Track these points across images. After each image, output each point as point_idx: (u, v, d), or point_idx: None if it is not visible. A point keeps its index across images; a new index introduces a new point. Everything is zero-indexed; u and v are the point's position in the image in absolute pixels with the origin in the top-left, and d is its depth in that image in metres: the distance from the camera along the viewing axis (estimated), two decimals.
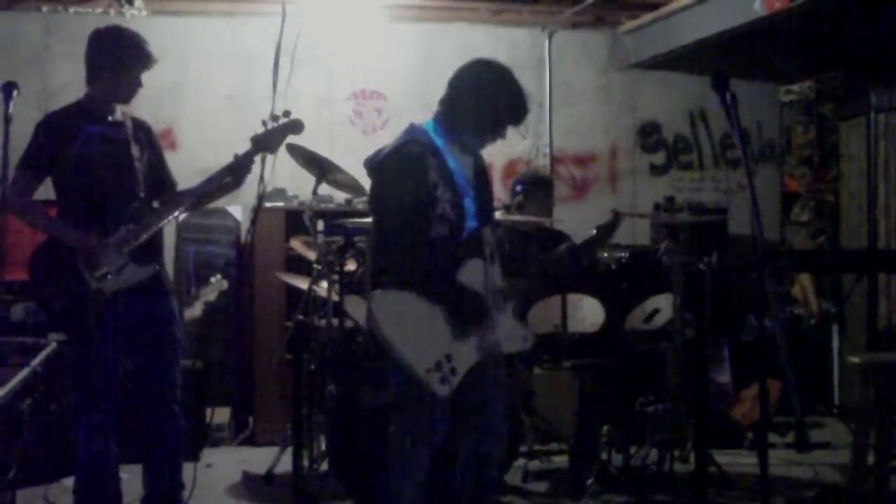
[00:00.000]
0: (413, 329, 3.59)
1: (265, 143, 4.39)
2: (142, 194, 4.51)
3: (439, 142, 3.80)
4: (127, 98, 4.56)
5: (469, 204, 3.81)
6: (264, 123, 4.37)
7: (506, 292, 3.82)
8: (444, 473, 3.87)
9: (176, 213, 4.62)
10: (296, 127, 4.42)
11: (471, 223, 3.80)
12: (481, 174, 3.97)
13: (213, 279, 6.91)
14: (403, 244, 3.67)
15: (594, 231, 4.09)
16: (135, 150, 4.54)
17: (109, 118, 4.54)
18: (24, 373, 5.54)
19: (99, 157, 4.45)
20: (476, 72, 3.87)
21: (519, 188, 6.17)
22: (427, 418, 3.67)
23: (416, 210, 3.65)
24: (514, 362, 5.33)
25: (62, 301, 4.40)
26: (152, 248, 4.53)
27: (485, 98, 3.81)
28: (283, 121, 4.40)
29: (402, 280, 3.66)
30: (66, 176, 4.45)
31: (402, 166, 3.72)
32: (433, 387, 3.56)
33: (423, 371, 3.55)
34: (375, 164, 3.83)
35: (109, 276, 4.35)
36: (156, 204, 4.58)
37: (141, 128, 4.67)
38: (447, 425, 3.73)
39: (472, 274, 3.72)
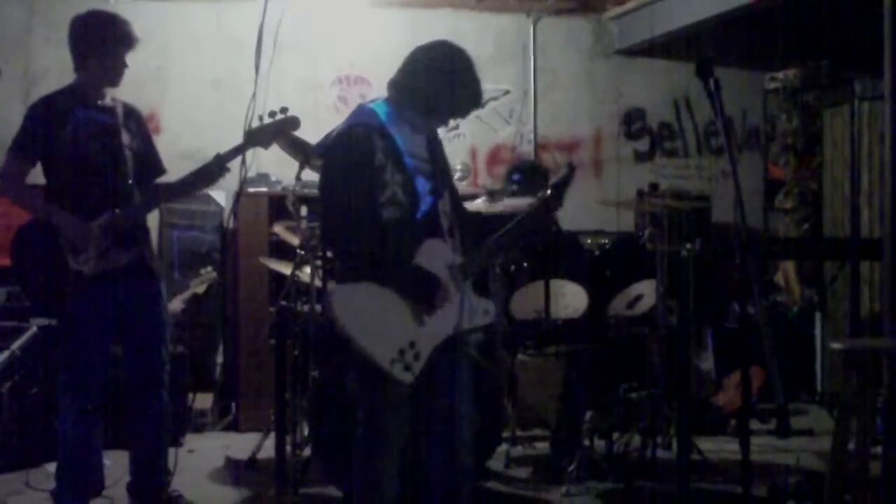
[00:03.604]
0: (374, 321, 3.51)
1: (258, 137, 4.36)
2: (130, 180, 4.51)
3: (388, 122, 3.69)
4: (115, 80, 4.55)
5: (423, 184, 3.72)
6: (261, 119, 4.33)
7: (465, 267, 3.73)
8: (417, 461, 3.84)
9: (162, 202, 4.61)
10: (291, 123, 4.40)
11: (425, 203, 3.71)
12: (435, 147, 3.86)
13: (203, 271, 6.77)
14: (354, 229, 3.58)
15: (549, 189, 3.89)
16: (124, 136, 4.54)
17: (100, 103, 4.54)
18: (3, 356, 5.54)
19: (89, 142, 4.45)
20: (434, 55, 3.76)
21: (515, 177, 6.14)
22: (392, 408, 3.63)
23: (365, 193, 3.57)
24: (496, 347, 5.33)
25: (43, 284, 4.39)
26: (136, 232, 4.52)
27: (442, 82, 3.70)
28: (279, 117, 4.37)
29: (355, 267, 3.62)
30: (57, 160, 4.44)
31: (348, 149, 3.63)
32: (396, 375, 3.52)
33: (387, 362, 3.50)
34: (325, 150, 3.79)
35: (91, 259, 4.34)
36: (143, 190, 4.57)
37: (131, 114, 4.67)
38: (413, 413, 3.69)
39: (431, 254, 3.65)
